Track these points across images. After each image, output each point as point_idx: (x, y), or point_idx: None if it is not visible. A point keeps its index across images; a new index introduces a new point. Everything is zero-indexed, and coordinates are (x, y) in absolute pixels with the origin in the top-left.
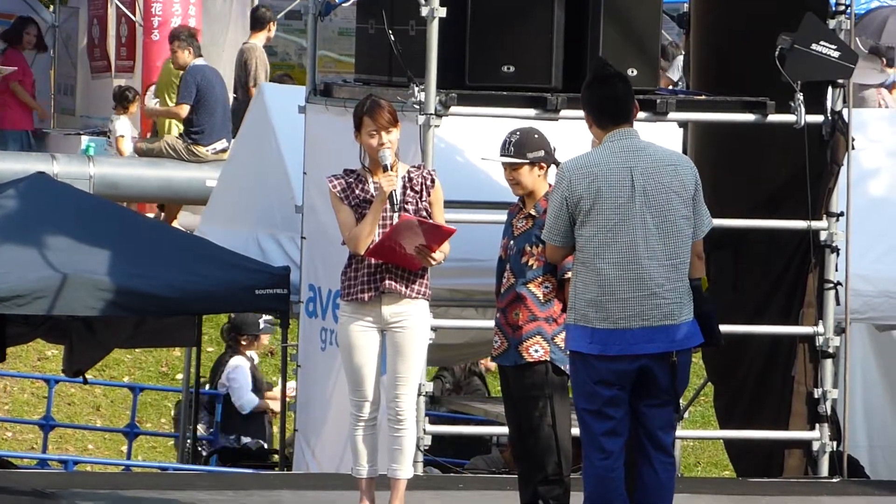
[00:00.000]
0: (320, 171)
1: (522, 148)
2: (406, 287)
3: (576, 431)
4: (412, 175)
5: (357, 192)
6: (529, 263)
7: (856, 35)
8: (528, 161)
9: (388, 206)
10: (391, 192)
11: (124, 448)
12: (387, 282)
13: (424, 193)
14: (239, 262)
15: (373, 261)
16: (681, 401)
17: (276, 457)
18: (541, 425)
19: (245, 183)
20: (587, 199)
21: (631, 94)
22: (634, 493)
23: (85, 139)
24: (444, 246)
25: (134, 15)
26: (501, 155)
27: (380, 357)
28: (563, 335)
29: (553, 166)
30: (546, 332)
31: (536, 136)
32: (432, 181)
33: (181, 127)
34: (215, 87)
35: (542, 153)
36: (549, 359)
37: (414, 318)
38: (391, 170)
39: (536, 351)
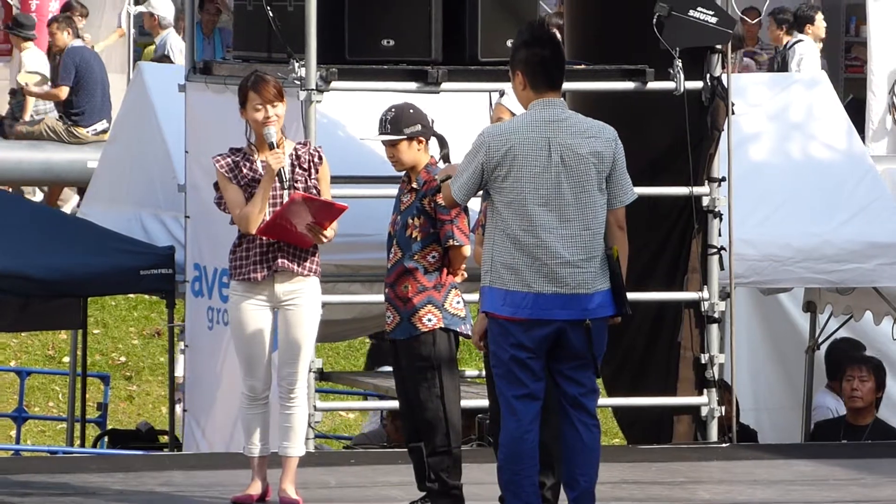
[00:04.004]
0: (202, 150)
1: (398, 124)
2: (298, 265)
3: (466, 403)
4: (300, 152)
5: (245, 170)
6: (413, 236)
7: None
8: (405, 136)
9: (277, 183)
10: (280, 170)
11: (13, 433)
12: (279, 260)
13: (313, 171)
14: (123, 243)
15: (264, 239)
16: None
17: (167, 437)
18: (429, 397)
19: (127, 163)
20: (504, 167)
21: (564, 60)
22: (563, 459)
23: None
24: (333, 223)
25: None
26: (379, 133)
27: (272, 335)
28: (452, 300)
29: (433, 138)
30: (436, 300)
31: (412, 110)
32: (319, 158)
33: None
34: (94, 68)
35: (418, 127)
36: (443, 325)
37: (306, 296)
38: (277, 146)
39: (430, 320)
